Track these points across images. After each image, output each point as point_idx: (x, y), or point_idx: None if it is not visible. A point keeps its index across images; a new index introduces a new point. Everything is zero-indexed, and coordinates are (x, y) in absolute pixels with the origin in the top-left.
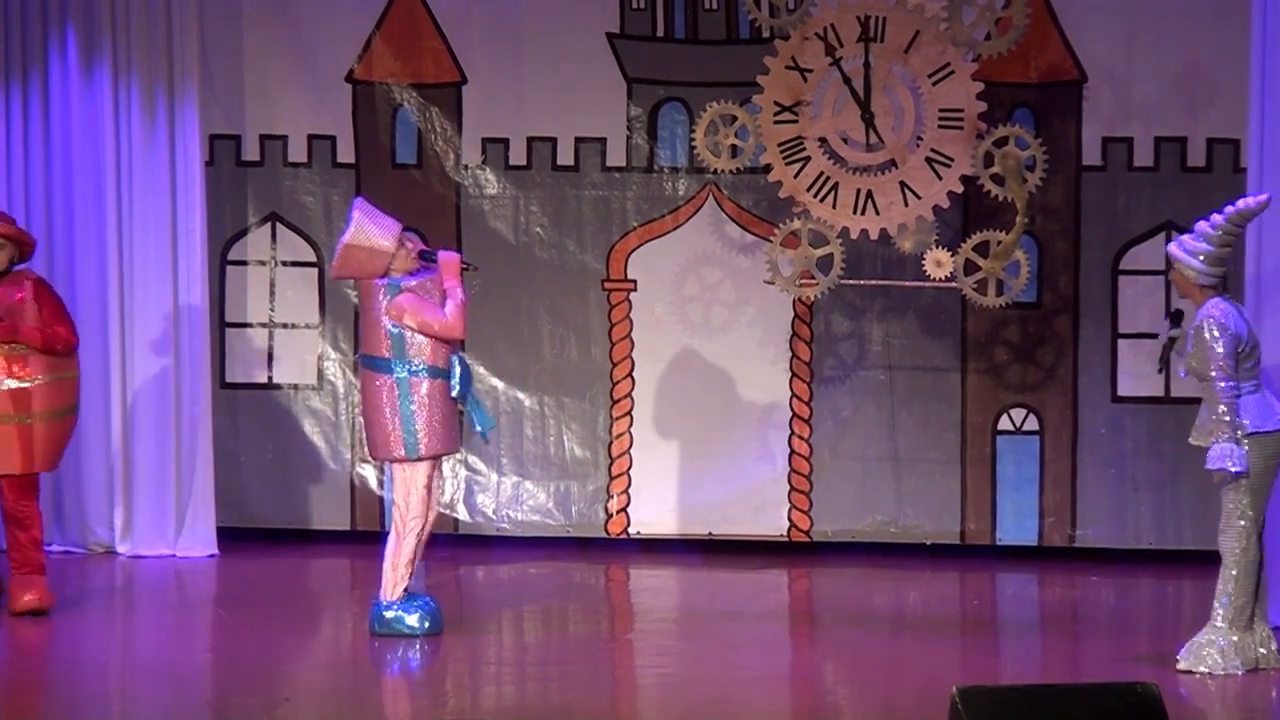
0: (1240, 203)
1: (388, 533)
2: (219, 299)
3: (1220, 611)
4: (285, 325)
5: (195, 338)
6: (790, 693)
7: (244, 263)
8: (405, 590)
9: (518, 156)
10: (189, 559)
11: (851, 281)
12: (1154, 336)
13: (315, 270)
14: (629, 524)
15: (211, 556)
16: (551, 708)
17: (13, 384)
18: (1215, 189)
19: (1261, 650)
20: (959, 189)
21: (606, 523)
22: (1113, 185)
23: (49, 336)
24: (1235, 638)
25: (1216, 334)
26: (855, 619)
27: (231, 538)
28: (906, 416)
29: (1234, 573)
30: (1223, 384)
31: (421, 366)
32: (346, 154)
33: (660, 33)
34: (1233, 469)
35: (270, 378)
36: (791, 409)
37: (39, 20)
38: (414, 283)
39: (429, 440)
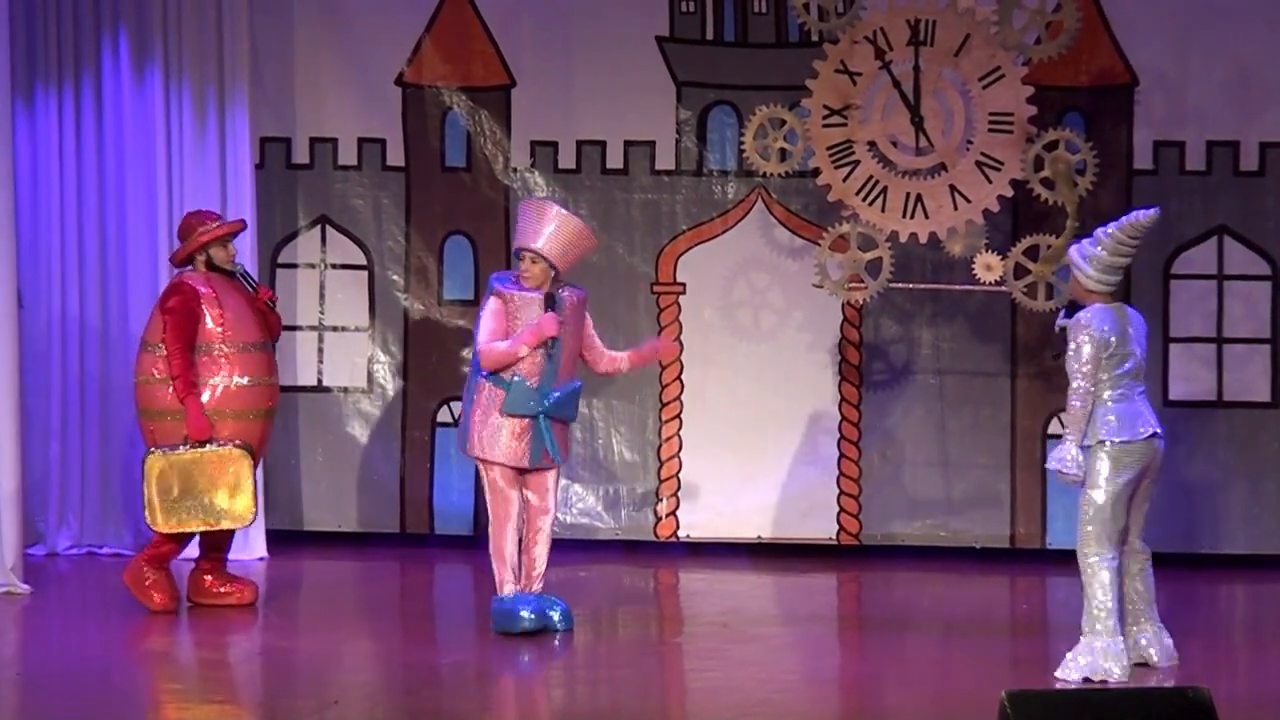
0: (1132, 215)
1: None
2: None
3: (1085, 619)
4: (335, 328)
5: None
6: (838, 696)
7: (294, 265)
8: (519, 588)
9: (567, 160)
10: (239, 561)
11: (900, 285)
12: (1207, 341)
13: (365, 273)
14: (678, 527)
15: (261, 559)
16: (601, 711)
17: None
18: (1268, 193)
19: (1149, 651)
20: (1009, 193)
21: (655, 526)
22: (1164, 189)
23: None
24: (1101, 645)
25: (1082, 339)
26: (904, 623)
27: (281, 540)
28: (956, 421)
29: (1088, 580)
30: (1077, 387)
31: (487, 371)
32: (396, 157)
33: (710, 36)
34: (1070, 473)
35: (320, 380)
36: (840, 413)
37: (92, 22)
38: (512, 292)
39: (477, 441)
